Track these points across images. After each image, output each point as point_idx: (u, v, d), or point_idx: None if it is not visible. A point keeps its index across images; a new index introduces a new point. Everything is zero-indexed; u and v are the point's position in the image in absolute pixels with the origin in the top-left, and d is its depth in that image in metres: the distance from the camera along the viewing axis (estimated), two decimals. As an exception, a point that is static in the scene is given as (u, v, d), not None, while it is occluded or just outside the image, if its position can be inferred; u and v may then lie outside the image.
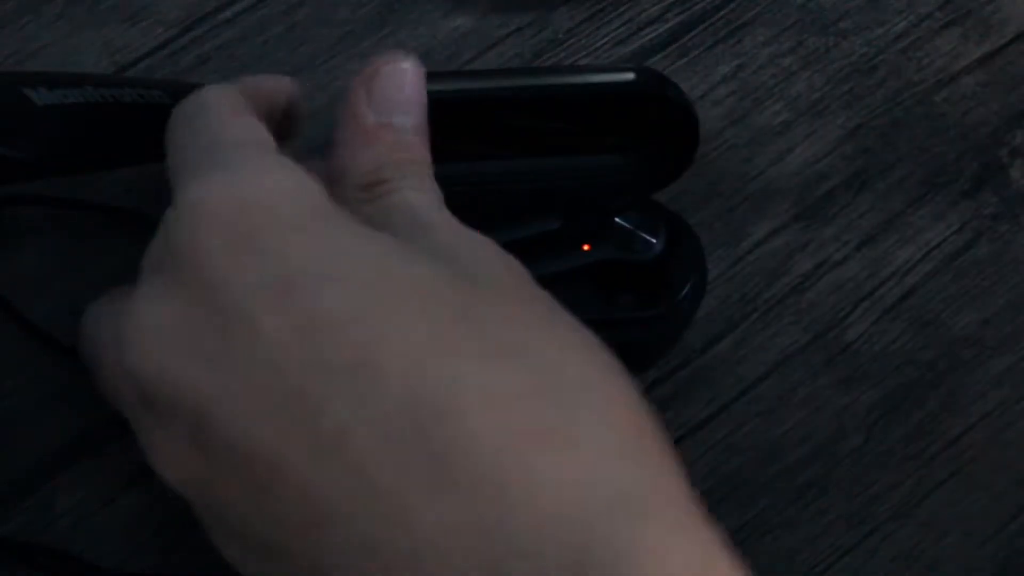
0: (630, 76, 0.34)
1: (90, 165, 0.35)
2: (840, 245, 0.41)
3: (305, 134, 0.42)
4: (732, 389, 0.39)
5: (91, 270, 0.40)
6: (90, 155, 0.34)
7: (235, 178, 0.27)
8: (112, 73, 0.43)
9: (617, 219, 0.36)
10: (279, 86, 0.34)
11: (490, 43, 0.44)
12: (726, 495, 0.38)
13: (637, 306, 0.36)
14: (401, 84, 0.30)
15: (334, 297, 0.24)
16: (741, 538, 0.37)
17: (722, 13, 0.44)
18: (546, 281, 0.34)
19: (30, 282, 0.40)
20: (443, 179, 0.34)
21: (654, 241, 0.36)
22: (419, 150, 0.30)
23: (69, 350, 0.39)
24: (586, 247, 0.36)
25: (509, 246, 0.34)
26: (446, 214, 0.29)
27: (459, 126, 0.34)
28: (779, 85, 0.43)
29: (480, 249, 0.28)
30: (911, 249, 0.41)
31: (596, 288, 0.36)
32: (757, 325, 0.40)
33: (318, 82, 0.43)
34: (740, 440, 0.38)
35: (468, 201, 0.35)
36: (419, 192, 0.29)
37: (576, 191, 0.37)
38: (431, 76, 0.32)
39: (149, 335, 0.26)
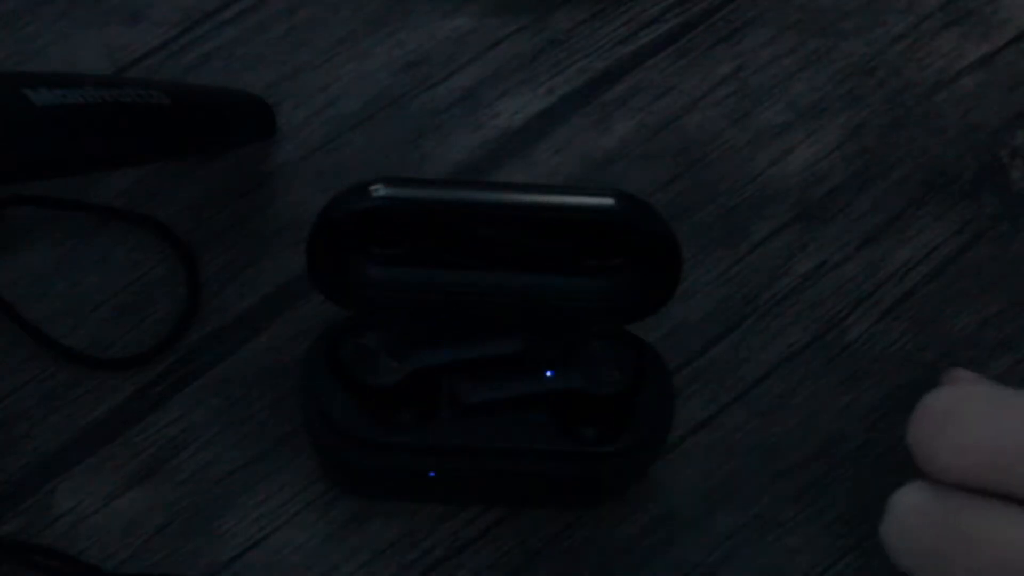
0: (609, 202, 0.31)
1: (90, 165, 0.35)
2: (840, 245, 0.41)
3: (305, 135, 0.43)
4: (732, 389, 0.39)
5: (91, 270, 0.40)
6: (90, 155, 0.34)
7: None
8: (112, 73, 0.43)
9: (584, 348, 0.34)
10: None
11: (490, 43, 0.44)
12: (726, 495, 0.38)
13: (597, 440, 0.34)
14: None
15: None
16: (741, 538, 0.37)
17: (722, 13, 0.44)
18: (502, 405, 0.34)
19: (30, 282, 0.40)
20: (409, 286, 0.34)
21: (620, 374, 0.33)
22: None
23: (69, 350, 0.39)
24: (548, 374, 0.34)
25: (468, 365, 0.34)
26: None
27: (430, 234, 0.33)
28: (779, 85, 0.43)
29: None
30: (911, 249, 0.41)
31: (555, 416, 0.34)
32: (757, 325, 0.40)
33: (318, 82, 0.43)
34: (740, 440, 0.38)
35: (429, 312, 0.34)
36: None
37: (545, 313, 0.35)
38: (407, 182, 0.31)
39: None
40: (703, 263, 0.41)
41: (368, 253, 0.34)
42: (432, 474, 0.34)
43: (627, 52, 0.44)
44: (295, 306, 0.40)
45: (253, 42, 0.44)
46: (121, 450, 0.38)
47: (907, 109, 0.43)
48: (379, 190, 0.31)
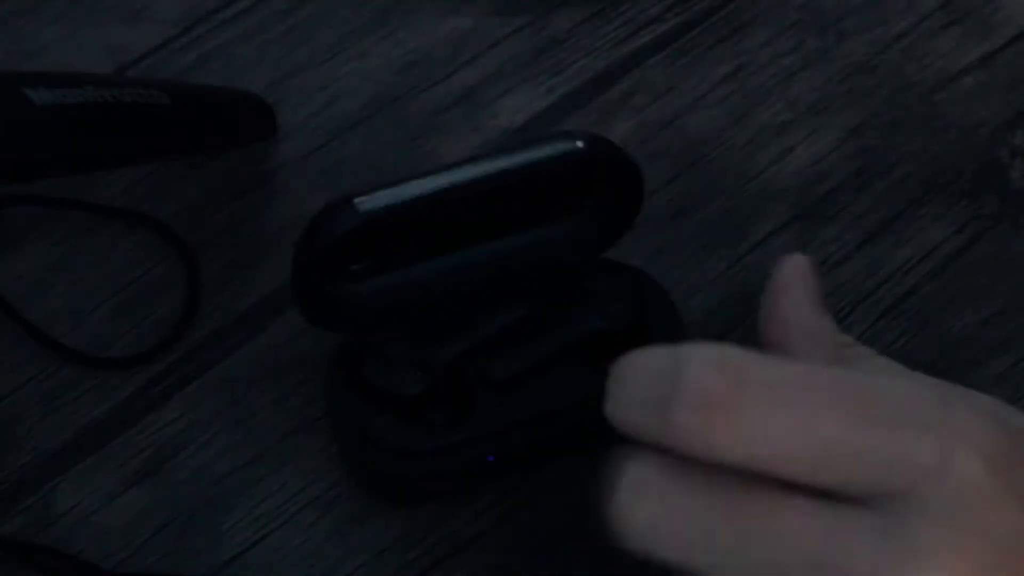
0: (580, 145, 0.32)
1: (90, 165, 0.35)
2: (840, 245, 0.41)
3: (305, 135, 0.43)
4: (732, 389, 0.39)
5: (91, 270, 0.40)
6: (90, 155, 0.34)
7: None
8: (112, 73, 0.43)
9: (584, 292, 0.35)
10: None
11: (490, 43, 0.44)
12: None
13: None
14: None
15: None
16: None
17: (722, 13, 0.44)
18: (532, 371, 0.34)
19: (30, 282, 0.40)
20: (400, 291, 0.34)
21: (629, 307, 0.34)
22: None
23: (69, 350, 0.39)
24: (565, 325, 0.35)
25: (489, 344, 0.34)
26: None
27: (411, 232, 0.34)
28: (779, 85, 0.43)
29: None
30: (911, 249, 0.41)
31: (584, 366, 0.35)
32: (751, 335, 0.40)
33: (318, 82, 0.43)
34: (740, 440, 0.38)
35: (426, 310, 0.34)
36: None
37: (533, 269, 0.35)
38: (383, 188, 0.31)
39: None
40: (703, 263, 0.41)
41: (353, 272, 0.34)
42: (491, 458, 0.35)
43: (627, 52, 0.44)
44: (295, 306, 0.40)
45: (253, 42, 0.44)
46: (121, 450, 0.38)
47: (907, 109, 0.43)
48: (365, 203, 0.31)
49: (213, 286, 0.40)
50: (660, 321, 0.35)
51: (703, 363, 0.24)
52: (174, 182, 0.41)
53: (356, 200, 0.31)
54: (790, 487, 0.24)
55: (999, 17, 0.44)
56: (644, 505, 0.25)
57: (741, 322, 0.40)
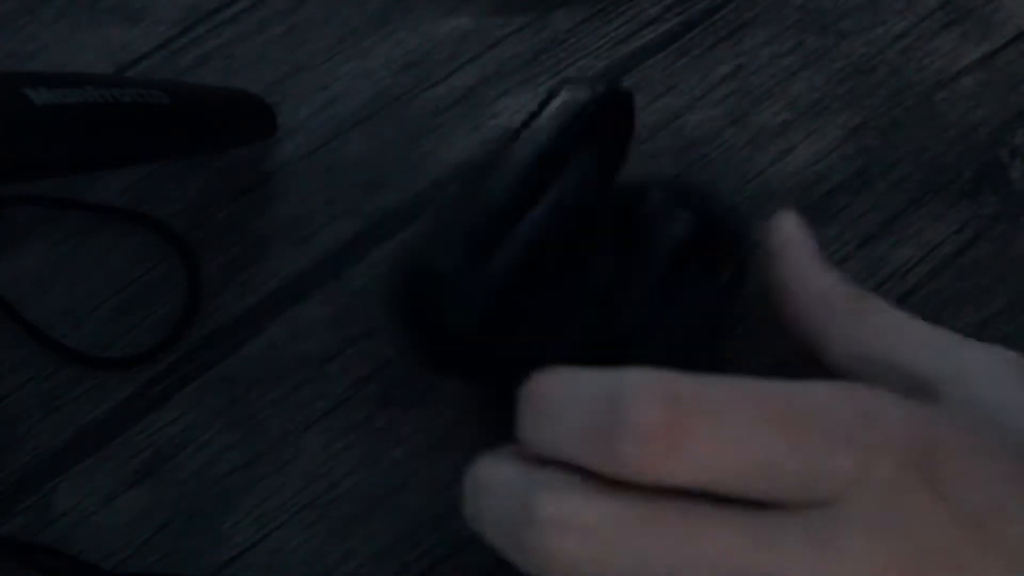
0: (590, 94, 0.34)
1: (90, 165, 0.35)
2: (840, 245, 0.41)
3: (305, 135, 0.43)
4: (732, 389, 0.39)
5: (91, 270, 0.40)
6: (90, 155, 0.34)
7: None
8: (112, 73, 0.43)
9: (647, 215, 0.35)
10: None
11: (490, 43, 0.44)
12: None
13: (736, 272, 0.36)
14: None
15: None
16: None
17: (722, 13, 0.44)
18: (668, 290, 0.35)
19: (30, 282, 0.40)
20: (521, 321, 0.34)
21: (691, 211, 0.35)
22: None
23: (69, 350, 0.39)
24: (672, 236, 0.35)
25: (619, 296, 0.35)
26: None
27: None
28: (779, 85, 0.43)
29: None
30: (911, 249, 0.41)
31: (699, 271, 0.35)
32: (758, 325, 0.40)
33: (318, 82, 0.43)
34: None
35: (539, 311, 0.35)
36: None
37: (579, 218, 0.36)
38: (491, 242, 0.32)
39: None
40: (703, 263, 0.41)
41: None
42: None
43: (627, 52, 0.44)
44: (295, 306, 0.40)
45: (253, 42, 0.44)
46: (121, 450, 0.38)
47: (907, 109, 0.43)
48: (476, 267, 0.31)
49: (213, 286, 0.40)
50: (724, 213, 0.36)
51: (644, 396, 0.24)
52: (174, 182, 0.41)
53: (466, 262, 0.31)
54: (718, 501, 0.25)
55: (999, 17, 0.44)
56: (569, 538, 0.24)
57: (741, 322, 0.40)
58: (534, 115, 0.33)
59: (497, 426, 0.36)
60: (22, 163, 0.32)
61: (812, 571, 0.24)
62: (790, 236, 0.34)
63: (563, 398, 0.25)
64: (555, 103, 0.33)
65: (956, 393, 0.29)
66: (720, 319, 0.36)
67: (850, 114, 0.43)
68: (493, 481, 0.26)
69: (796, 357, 0.40)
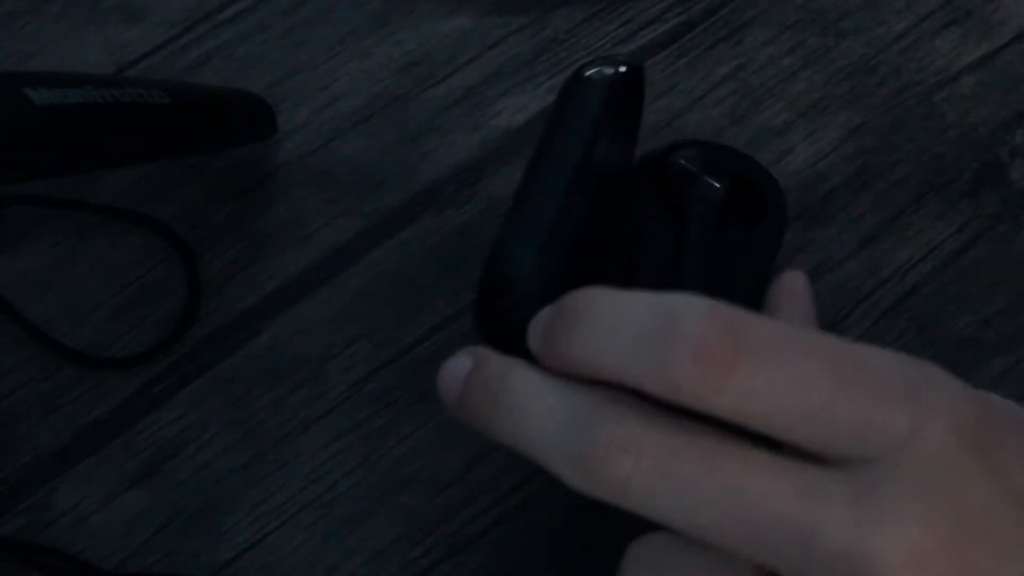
0: (623, 69, 0.34)
1: (90, 165, 0.35)
2: (840, 245, 0.41)
3: (305, 135, 0.43)
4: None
5: (91, 270, 0.40)
6: (90, 155, 0.34)
7: None
8: (112, 73, 0.43)
9: (680, 172, 0.36)
10: None
11: (490, 43, 0.44)
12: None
13: (775, 222, 0.36)
14: None
15: None
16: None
17: (722, 13, 0.44)
18: (717, 252, 0.35)
19: (30, 282, 0.40)
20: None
21: (716, 167, 0.36)
22: None
23: (69, 350, 0.39)
24: (710, 198, 0.35)
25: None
26: None
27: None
28: (779, 85, 0.43)
29: None
30: (911, 249, 0.41)
31: (740, 229, 0.36)
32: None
33: (318, 82, 0.43)
34: (740, 440, 0.38)
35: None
36: None
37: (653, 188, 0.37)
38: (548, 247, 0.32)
39: None
40: (703, 263, 0.41)
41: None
42: None
43: (627, 52, 0.44)
44: (295, 306, 0.40)
45: (253, 42, 0.44)
46: (121, 450, 0.38)
47: (907, 109, 0.43)
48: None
49: (213, 286, 0.40)
50: (751, 167, 0.37)
51: (702, 315, 0.24)
52: (174, 182, 0.41)
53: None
54: (765, 444, 0.25)
55: (999, 17, 0.44)
56: (625, 461, 0.25)
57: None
58: (567, 99, 0.33)
59: None
60: (22, 163, 0.32)
61: (851, 530, 0.24)
62: (795, 294, 0.34)
63: (618, 311, 0.25)
64: (583, 84, 0.34)
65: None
66: (765, 274, 0.36)
67: (850, 114, 0.43)
68: (540, 396, 0.26)
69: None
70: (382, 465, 0.38)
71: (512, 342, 0.32)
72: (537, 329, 0.28)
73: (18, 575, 0.36)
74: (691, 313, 0.24)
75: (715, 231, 0.35)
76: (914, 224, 0.41)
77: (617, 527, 0.37)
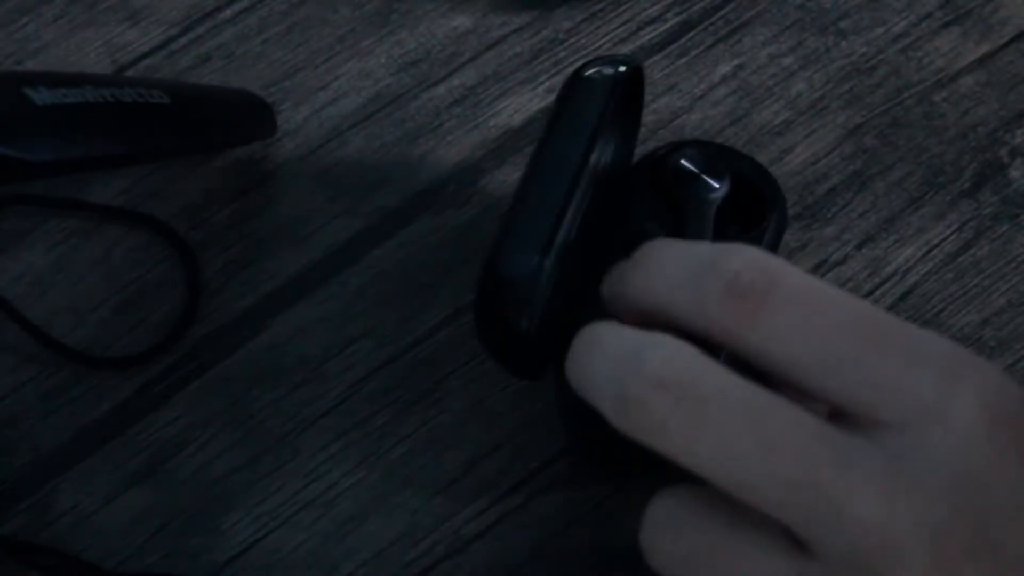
0: (623, 69, 0.34)
1: (90, 165, 0.35)
2: (840, 245, 0.41)
3: (305, 135, 0.43)
4: (732, 389, 0.39)
5: (91, 270, 0.40)
6: (90, 155, 0.34)
7: None
8: (112, 73, 0.43)
9: (681, 173, 0.36)
10: None
11: (490, 43, 0.44)
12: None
13: (775, 222, 0.37)
14: None
15: None
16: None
17: (722, 13, 0.44)
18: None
19: (30, 282, 0.40)
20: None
21: (716, 167, 0.36)
22: None
23: (69, 350, 0.39)
24: (710, 199, 0.36)
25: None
26: None
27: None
28: (779, 85, 0.43)
29: None
30: (911, 249, 0.41)
31: (739, 230, 0.36)
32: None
33: (318, 82, 0.43)
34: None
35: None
36: None
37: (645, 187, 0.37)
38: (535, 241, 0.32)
39: None
40: (703, 263, 0.41)
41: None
42: None
43: (627, 52, 0.44)
44: (295, 306, 0.40)
45: (253, 42, 0.44)
46: (121, 450, 0.38)
47: (907, 109, 0.43)
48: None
49: (213, 286, 0.40)
50: (750, 168, 0.37)
51: (746, 259, 0.26)
52: (174, 182, 0.41)
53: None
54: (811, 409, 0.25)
55: (999, 17, 0.44)
56: (667, 396, 0.25)
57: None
58: (567, 99, 0.33)
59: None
60: (22, 163, 0.32)
61: (879, 500, 0.24)
62: None
63: (675, 253, 0.27)
64: (583, 84, 0.34)
65: None
66: None
67: (850, 114, 0.43)
68: (605, 336, 0.27)
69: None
70: (382, 465, 0.38)
71: (511, 343, 0.32)
72: (611, 277, 0.30)
73: (18, 575, 0.36)
74: (734, 255, 0.26)
75: (715, 231, 0.35)
76: (914, 224, 0.41)
77: (618, 528, 0.37)
